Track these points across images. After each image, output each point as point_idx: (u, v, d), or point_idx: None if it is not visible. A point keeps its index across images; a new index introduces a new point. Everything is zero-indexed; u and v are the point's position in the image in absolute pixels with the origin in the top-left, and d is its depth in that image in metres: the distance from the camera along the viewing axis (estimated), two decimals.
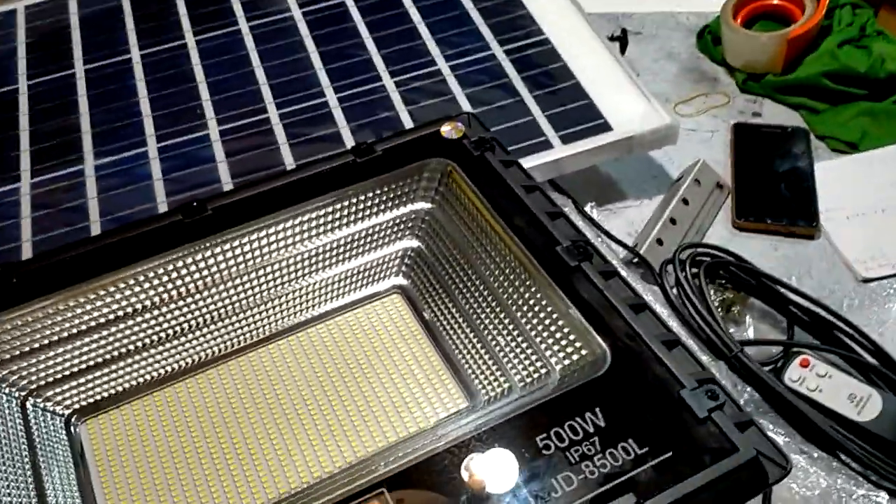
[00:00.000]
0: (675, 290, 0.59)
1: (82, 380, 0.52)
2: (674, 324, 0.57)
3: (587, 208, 0.67)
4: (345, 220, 0.58)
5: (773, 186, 0.68)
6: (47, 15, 0.83)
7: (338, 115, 0.70)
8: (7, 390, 0.51)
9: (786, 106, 0.77)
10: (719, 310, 0.58)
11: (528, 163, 0.65)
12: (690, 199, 0.67)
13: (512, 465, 0.40)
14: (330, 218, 0.57)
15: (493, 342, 0.53)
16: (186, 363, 0.54)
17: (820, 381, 0.53)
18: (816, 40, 0.77)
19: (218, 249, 0.54)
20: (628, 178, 0.71)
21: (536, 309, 0.51)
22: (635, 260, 0.62)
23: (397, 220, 0.59)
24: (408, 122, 0.69)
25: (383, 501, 0.40)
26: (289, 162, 0.67)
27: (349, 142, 0.68)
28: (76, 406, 0.52)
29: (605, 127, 0.67)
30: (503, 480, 0.40)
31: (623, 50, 0.85)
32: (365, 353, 0.55)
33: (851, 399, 0.52)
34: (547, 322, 0.50)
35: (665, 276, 0.59)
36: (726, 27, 0.78)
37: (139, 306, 0.53)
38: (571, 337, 0.49)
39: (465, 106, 0.70)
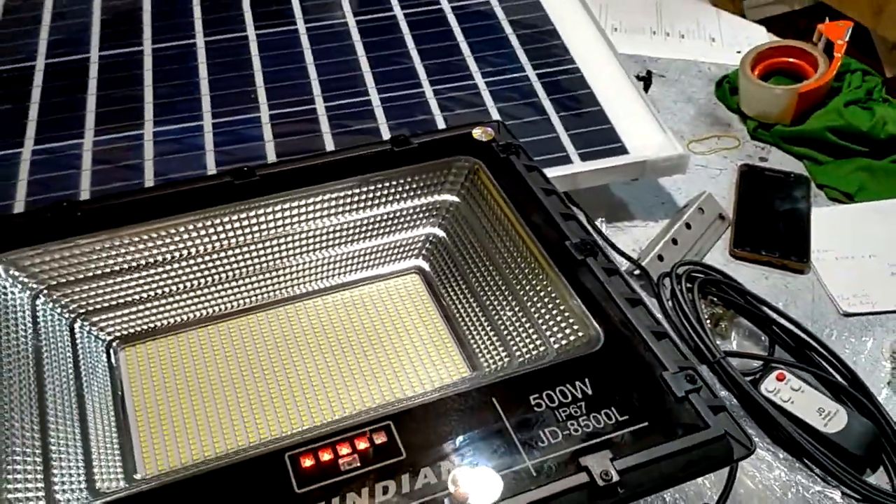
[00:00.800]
0: (669, 302, 0.64)
1: (125, 311, 0.58)
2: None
3: (597, 222, 0.73)
4: (376, 201, 0.63)
5: (770, 223, 0.74)
6: None
7: (379, 112, 0.77)
8: (59, 311, 0.56)
9: (791, 155, 0.83)
10: (708, 322, 0.63)
11: (547, 174, 0.71)
12: (693, 224, 0.72)
13: (495, 482, 0.42)
14: (364, 197, 0.63)
15: (500, 322, 0.58)
16: (220, 309, 0.60)
17: (793, 394, 0.58)
18: (826, 98, 0.83)
19: (261, 211, 0.60)
20: (638, 201, 0.77)
21: (542, 294, 0.56)
22: (636, 271, 0.67)
23: (424, 208, 0.65)
24: (442, 126, 0.75)
25: (389, 433, 0.45)
26: (330, 148, 0.73)
27: (387, 136, 0.74)
28: (118, 333, 0.57)
29: (622, 150, 0.73)
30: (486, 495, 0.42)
31: (646, 89, 0.91)
32: (382, 320, 0.60)
33: (820, 412, 0.57)
34: (550, 306, 0.55)
35: (662, 288, 0.65)
36: (744, 77, 0.84)
37: (185, 252, 0.59)
38: (571, 320, 0.54)
39: (496, 117, 0.76)
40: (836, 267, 0.71)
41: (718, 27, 1.02)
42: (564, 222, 0.59)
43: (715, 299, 0.65)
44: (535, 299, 0.57)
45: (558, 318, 0.55)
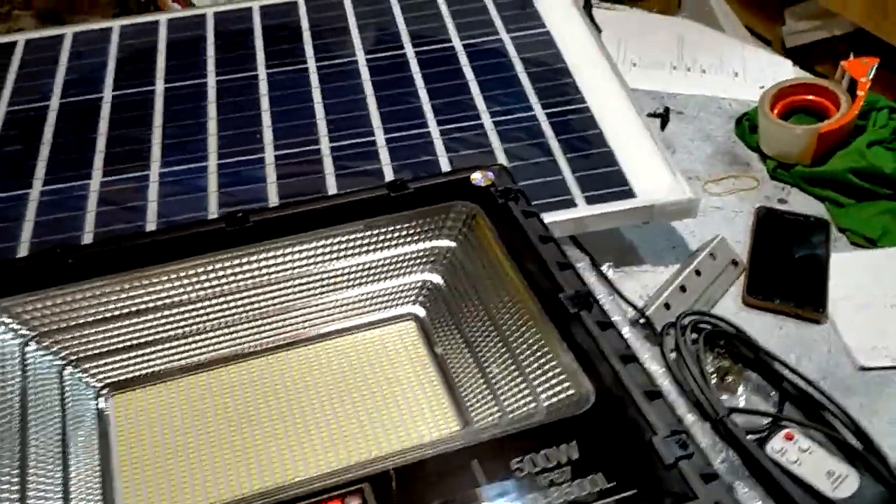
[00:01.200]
0: (673, 354, 0.61)
1: (116, 358, 0.58)
2: (665, 382, 0.59)
3: (604, 267, 0.71)
4: (372, 247, 0.63)
5: (786, 270, 0.71)
6: (139, 35, 0.92)
7: (383, 153, 0.76)
8: (50, 357, 0.56)
9: (812, 197, 0.80)
10: (714, 376, 0.61)
11: (552, 217, 0.69)
12: (703, 271, 0.70)
13: None
14: (359, 242, 0.62)
15: (492, 375, 0.56)
16: (211, 357, 0.59)
17: (801, 454, 0.55)
18: (848, 138, 0.80)
19: (253, 258, 0.60)
20: (649, 245, 0.75)
21: (535, 348, 0.54)
22: (641, 320, 0.65)
23: (421, 254, 0.63)
24: (445, 168, 0.74)
25: (363, 496, 0.44)
26: (332, 190, 0.73)
27: (390, 178, 0.73)
28: (108, 380, 0.57)
29: (629, 193, 0.71)
30: None
31: (663, 126, 0.89)
32: (374, 369, 0.59)
33: (829, 475, 0.54)
34: (542, 361, 0.54)
35: (666, 338, 0.62)
36: (763, 116, 0.82)
37: (177, 299, 0.59)
38: (562, 376, 0.52)
39: (502, 159, 0.75)
40: (855, 316, 0.67)
41: (742, 61, 0.99)
42: (560, 272, 0.57)
43: (723, 351, 0.62)
44: (527, 352, 0.55)
45: (549, 374, 0.53)
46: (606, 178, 0.72)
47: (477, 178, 0.65)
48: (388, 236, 0.63)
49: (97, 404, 0.56)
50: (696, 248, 0.74)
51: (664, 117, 0.90)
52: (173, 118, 0.81)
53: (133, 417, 0.56)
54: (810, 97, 0.83)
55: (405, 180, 0.64)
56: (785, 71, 0.97)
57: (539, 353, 0.54)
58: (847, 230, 0.75)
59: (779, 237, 0.74)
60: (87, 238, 0.69)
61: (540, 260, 0.58)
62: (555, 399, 0.52)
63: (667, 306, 0.66)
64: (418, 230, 0.63)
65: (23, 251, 0.68)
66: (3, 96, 0.84)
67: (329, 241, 0.61)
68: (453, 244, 0.63)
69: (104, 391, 0.57)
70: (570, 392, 0.51)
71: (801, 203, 0.79)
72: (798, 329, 0.67)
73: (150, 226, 0.70)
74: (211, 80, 0.85)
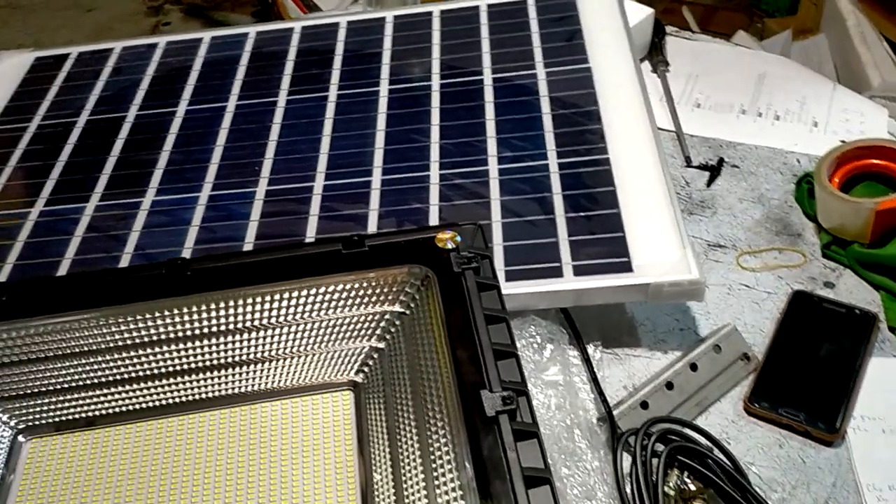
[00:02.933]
0: (629, 468, 0.53)
1: (37, 401, 0.57)
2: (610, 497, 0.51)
3: (590, 346, 0.63)
4: (316, 307, 0.58)
5: (806, 373, 0.60)
6: (180, 53, 0.92)
7: (374, 196, 0.71)
8: None
9: (868, 283, 0.67)
10: (674, 501, 0.52)
11: (538, 287, 0.63)
12: (701, 367, 0.60)
13: None
14: (302, 301, 0.58)
15: (403, 473, 0.51)
16: (131, 408, 0.57)
17: None
18: None
19: (185, 309, 0.57)
20: (652, 324, 0.66)
21: (443, 451, 0.48)
22: (599, 420, 0.57)
23: (368, 318, 0.58)
24: (433, 217, 0.69)
25: None
26: (309, 234, 0.69)
27: (372, 225, 0.69)
28: (24, 424, 0.56)
29: (625, 267, 0.62)
30: None
31: (711, 181, 0.79)
32: (292, 442, 0.55)
33: None
34: (445, 469, 0.47)
35: (625, 447, 0.54)
36: (817, 182, 0.70)
37: (104, 346, 0.57)
38: (459, 492, 0.46)
39: (497, 213, 0.68)
40: (880, 444, 0.56)
41: (828, 108, 0.86)
42: (497, 361, 0.51)
43: (693, 470, 0.53)
44: (436, 454, 0.49)
45: (449, 486, 0.47)
46: (605, 246, 0.64)
47: (444, 238, 0.59)
48: (335, 297, 0.58)
49: (11, 447, 0.55)
50: (707, 333, 0.64)
51: (714, 170, 0.80)
52: (183, 143, 0.80)
53: (43, 464, 0.55)
54: (880, 162, 0.70)
55: (363, 236, 0.59)
56: (878, 124, 0.83)
57: (445, 460, 0.48)
58: None
59: (809, 331, 0.63)
60: (65, 265, 0.69)
61: (473, 345, 0.51)
62: None
63: (644, 405, 0.58)
64: (368, 293, 0.58)
65: (5, 275, 0.69)
66: (41, 109, 0.87)
67: (268, 299, 0.58)
68: (403, 311, 0.58)
69: (21, 434, 0.56)
70: None
71: (852, 289, 0.67)
72: (803, 450, 0.56)
73: (126, 257, 0.69)
74: (231, 103, 0.84)
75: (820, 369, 0.60)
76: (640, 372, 0.62)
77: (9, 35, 2.67)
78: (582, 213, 0.67)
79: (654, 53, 0.94)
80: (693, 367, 0.60)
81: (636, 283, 0.61)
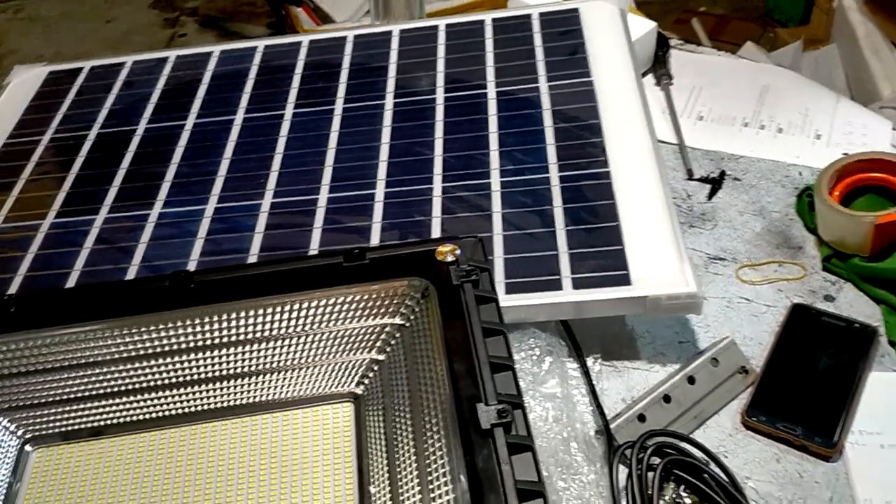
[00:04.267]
0: (624, 481, 0.53)
1: (45, 411, 0.58)
2: None
3: (589, 359, 0.63)
4: (318, 319, 0.59)
5: (804, 387, 0.60)
6: (190, 66, 0.93)
7: (377, 209, 0.72)
8: None
9: (868, 297, 0.67)
10: None
11: (538, 300, 0.63)
12: (699, 380, 0.60)
13: None
14: (304, 314, 0.59)
15: (400, 484, 0.51)
16: (139, 418, 0.58)
17: None
18: None
19: (188, 321, 0.58)
20: (652, 336, 0.66)
21: (439, 464, 0.49)
22: (597, 432, 0.57)
23: (369, 330, 0.59)
24: (436, 230, 0.69)
25: None
26: (314, 246, 0.70)
27: (375, 237, 0.70)
28: (32, 434, 0.58)
29: (624, 280, 0.63)
30: None
31: (712, 194, 0.79)
32: (294, 452, 0.56)
33: None
34: (441, 482, 0.48)
35: (621, 460, 0.54)
36: (817, 195, 0.70)
37: (110, 357, 0.58)
38: None
39: (498, 226, 0.69)
40: (878, 459, 0.56)
41: (831, 120, 0.86)
42: (493, 374, 0.51)
43: (689, 484, 0.54)
44: (432, 467, 0.49)
45: (443, 501, 0.47)
46: (604, 259, 0.65)
47: (444, 251, 0.60)
48: (336, 309, 0.59)
49: (17, 455, 0.57)
50: (706, 346, 0.65)
51: (716, 183, 0.80)
52: (191, 156, 0.81)
53: (49, 473, 0.56)
54: (878, 175, 0.70)
55: (364, 249, 0.60)
56: (880, 136, 0.84)
57: (440, 472, 0.48)
58: None
59: (808, 344, 0.63)
60: (73, 277, 0.70)
61: (470, 358, 0.52)
62: None
63: (641, 418, 0.58)
64: (369, 305, 0.59)
65: (15, 286, 0.70)
66: (53, 123, 0.88)
67: (270, 311, 0.59)
68: (404, 323, 0.59)
69: (28, 444, 0.57)
70: None
71: (853, 303, 0.67)
72: (801, 465, 0.56)
73: (133, 269, 0.70)
74: (239, 116, 0.85)
75: (819, 383, 0.60)
76: (638, 384, 0.63)
77: (29, 46, 2.72)
78: (582, 226, 0.68)
79: (658, 66, 0.94)
80: (691, 380, 0.60)
81: (634, 295, 0.61)
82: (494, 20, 0.91)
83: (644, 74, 0.94)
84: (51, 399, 0.58)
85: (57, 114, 0.90)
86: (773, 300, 0.68)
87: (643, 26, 0.91)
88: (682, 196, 0.79)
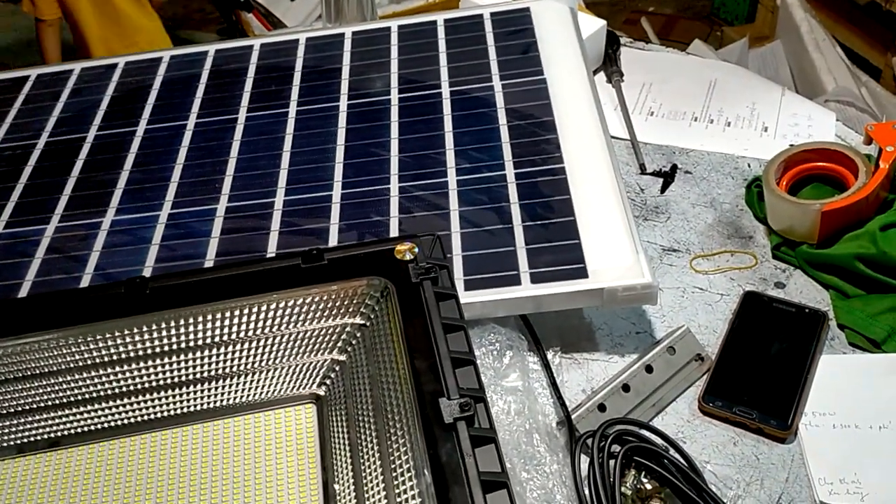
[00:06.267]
0: (586, 469, 0.54)
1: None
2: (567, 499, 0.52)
3: (549, 352, 0.64)
4: (276, 321, 0.59)
5: (757, 372, 0.61)
6: (140, 72, 0.92)
7: (334, 210, 0.72)
8: None
9: (817, 283, 0.69)
10: (632, 501, 0.53)
11: (497, 295, 0.64)
12: (656, 368, 0.61)
13: None
14: (262, 317, 0.59)
15: (364, 482, 0.51)
16: (97, 428, 0.57)
17: None
18: (866, 217, 0.69)
19: (144, 328, 0.57)
20: (609, 329, 0.67)
21: (403, 460, 0.49)
22: (559, 423, 0.58)
23: (329, 331, 0.59)
24: (393, 229, 0.70)
25: None
26: (271, 249, 0.70)
27: (333, 238, 0.70)
28: None
29: (581, 273, 0.63)
30: None
31: (665, 188, 0.81)
32: (254, 456, 0.55)
33: None
34: (405, 477, 0.48)
35: (583, 449, 0.55)
36: (765, 185, 0.72)
37: (64, 367, 0.57)
38: (419, 500, 0.46)
39: (455, 224, 0.69)
40: (830, 438, 0.57)
41: (777, 113, 0.89)
42: (455, 369, 0.52)
43: (650, 471, 0.54)
44: (396, 463, 0.50)
45: (408, 495, 0.47)
46: (561, 253, 0.65)
47: (402, 250, 0.60)
48: (295, 311, 0.59)
49: None
50: (662, 335, 0.66)
51: (668, 177, 0.81)
52: (143, 162, 0.80)
53: (5, 487, 0.55)
54: (826, 165, 0.72)
55: (322, 250, 0.60)
56: (825, 127, 0.86)
57: (405, 468, 0.49)
58: (847, 327, 0.65)
59: (760, 331, 0.64)
60: (25, 287, 0.69)
61: (432, 354, 0.52)
62: None
63: (601, 408, 0.59)
64: (328, 306, 0.59)
65: None
66: None
67: (228, 315, 0.58)
68: (365, 323, 0.59)
69: None
70: None
71: (803, 289, 0.69)
72: (756, 447, 0.58)
73: (87, 277, 0.69)
74: (191, 121, 0.84)
75: (772, 368, 0.62)
76: (598, 375, 0.63)
77: None
78: (538, 222, 0.68)
79: (609, 64, 0.96)
80: (648, 368, 0.61)
81: (591, 288, 0.62)
82: (447, 21, 0.91)
83: (596, 72, 0.95)
84: (5, 411, 0.57)
85: (3, 123, 0.88)
86: (726, 289, 0.70)
87: (593, 24, 0.92)
88: (636, 190, 0.80)
